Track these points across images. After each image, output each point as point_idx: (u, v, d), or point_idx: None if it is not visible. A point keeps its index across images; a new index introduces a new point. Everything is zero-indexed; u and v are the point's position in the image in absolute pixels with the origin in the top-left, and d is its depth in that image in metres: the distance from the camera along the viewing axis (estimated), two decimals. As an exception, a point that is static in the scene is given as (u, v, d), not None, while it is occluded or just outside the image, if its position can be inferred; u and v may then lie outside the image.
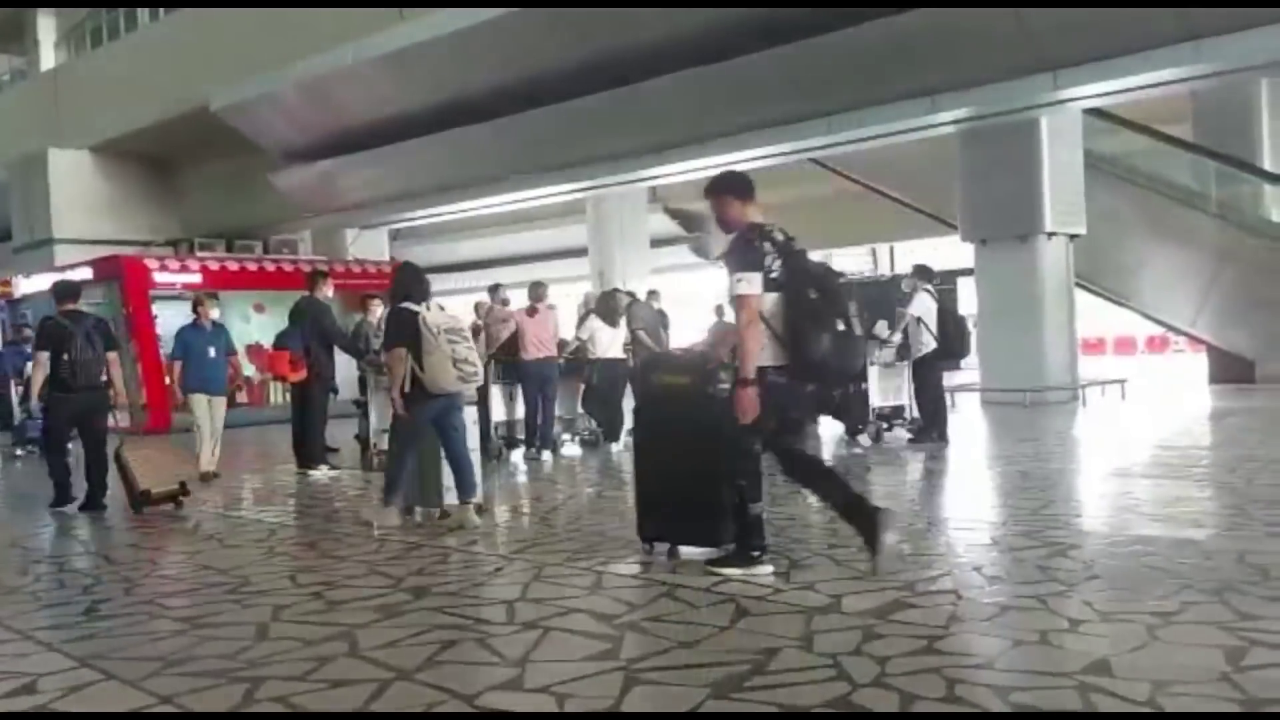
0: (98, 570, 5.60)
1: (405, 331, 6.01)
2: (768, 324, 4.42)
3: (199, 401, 9.25)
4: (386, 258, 21.76)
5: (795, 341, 4.41)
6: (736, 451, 4.57)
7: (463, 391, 6.24)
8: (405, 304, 6.14)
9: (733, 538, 4.74)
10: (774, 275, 4.43)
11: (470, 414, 6.56)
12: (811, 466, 4.79)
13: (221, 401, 9.46)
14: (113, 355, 7.80)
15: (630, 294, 12.35)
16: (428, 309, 6.09)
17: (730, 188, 4.74)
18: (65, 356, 7.41)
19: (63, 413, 7.68)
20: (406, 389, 6.02)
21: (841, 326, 4.39)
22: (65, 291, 7.85)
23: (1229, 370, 15.50)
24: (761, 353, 4.41)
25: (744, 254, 4.48)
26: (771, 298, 4.43)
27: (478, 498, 6.36)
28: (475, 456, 6.49)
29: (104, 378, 7.70)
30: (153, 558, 5.89)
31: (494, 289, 11.47)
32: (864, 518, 4.51)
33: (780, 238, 4.55)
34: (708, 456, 4.80)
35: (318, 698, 3.29)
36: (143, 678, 3.55)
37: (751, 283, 4.40)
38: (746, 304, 4.39)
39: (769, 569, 4.61)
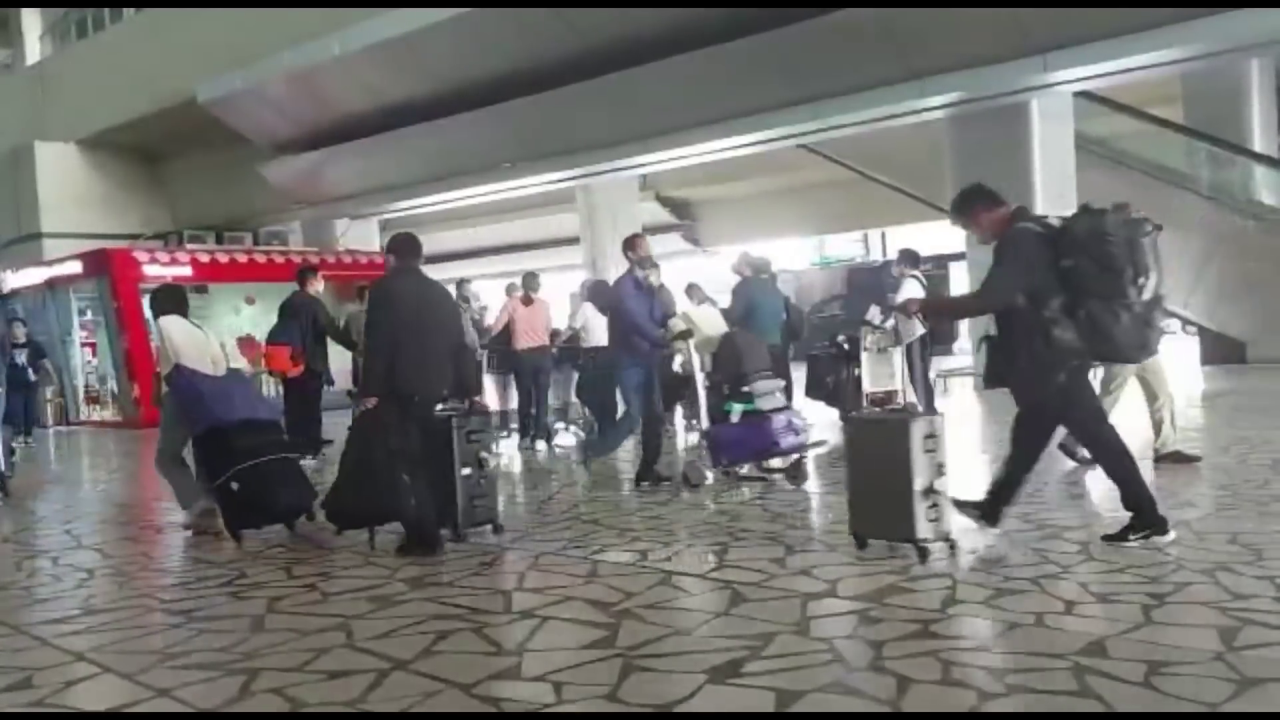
0: (92, 564, 5.58)
1: None
2: None
3: None
4: (377, 248, 21.69)
5: None
6: None
7: None
8: None
9: None
10: None
11: None
12: None
13: None
14: None
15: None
16: None
17: None
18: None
19: None
20: None
21: None
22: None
23: (1221, 351, 15.54)
24: None
25: None
26: None
27: None
28: None
29: None
30: (147, 551, 5.88)
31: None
32: None
33: None
34: None
35: (315, 689, 3.29)
36: (139, 671, 3.55)
37: None
38: None
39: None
